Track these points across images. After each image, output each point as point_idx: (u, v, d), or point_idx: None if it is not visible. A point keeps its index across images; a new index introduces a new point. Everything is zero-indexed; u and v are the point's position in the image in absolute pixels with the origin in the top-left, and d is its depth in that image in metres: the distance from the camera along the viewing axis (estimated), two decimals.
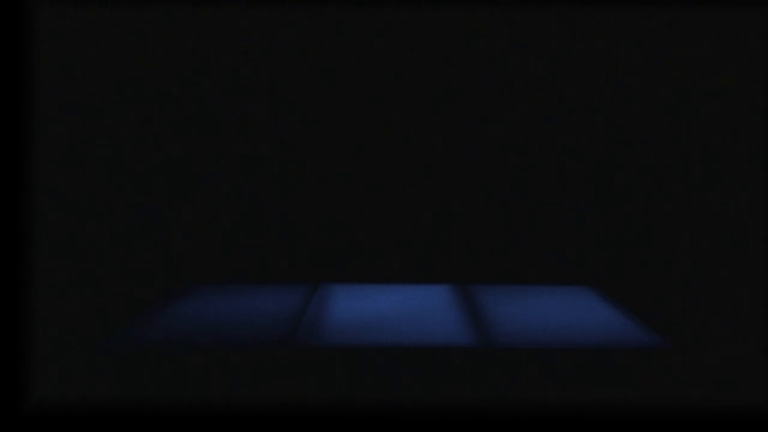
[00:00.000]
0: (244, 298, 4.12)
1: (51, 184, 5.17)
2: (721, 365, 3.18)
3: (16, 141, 2.74)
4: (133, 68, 5.18)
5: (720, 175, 4.20)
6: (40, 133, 4.77)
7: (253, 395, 2.55)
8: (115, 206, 4.95)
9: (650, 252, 5.05)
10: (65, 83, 4.92)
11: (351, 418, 2.21)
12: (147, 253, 4.88)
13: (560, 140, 4.97)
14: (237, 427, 2.20)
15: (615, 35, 5.09)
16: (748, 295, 3.61)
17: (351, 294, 4.25)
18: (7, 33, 2.71)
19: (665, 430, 2.16)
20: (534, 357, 2.98)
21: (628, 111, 4.22)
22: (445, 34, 5.23)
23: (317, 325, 3.45)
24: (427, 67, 5.20)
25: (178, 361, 3.01)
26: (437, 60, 5.17)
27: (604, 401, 2.49)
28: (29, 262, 2.80)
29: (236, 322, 3.55)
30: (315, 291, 4.32)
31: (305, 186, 4.74)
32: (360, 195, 4.73)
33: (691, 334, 3.50)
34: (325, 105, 5.40)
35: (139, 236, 4.89)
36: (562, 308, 3.84)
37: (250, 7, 4.83)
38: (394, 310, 3.82)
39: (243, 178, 4.79)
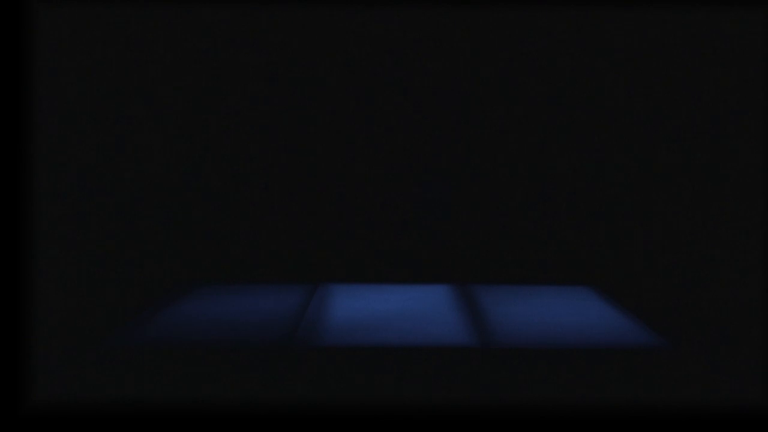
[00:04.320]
0: (244, 297, 4.12)
1: (52, 183, 5.18)
2: (721, 365, 3.18)
3: (16, 140, 2.75)
4: (137, 68, 5.18)
5: (720, 176, 4.20)
6: (41, 132, 4.78)
7: (252, 395, 2.55)
8: (117, 206, 4.95)
9: (650, 252, 5.05)
10: (65, 83, 4.92)
11: (351, 418, 2.21)
12: (148, 253, 4.89)
13: (560, 140, 4.98)
14: (237, 427, 2.20)
15: (616, 37, 5.10)
16: (748, 295, 3.62)
17: (351, 294, 4.25)
18: (7, 33, 2.71)
19: (665, 430, 2.16)
20: (534, 357, 2.99)
21: (628, 112, 4.22)
22: (446, 36, 5.22)
23: (317, 324, 3.45)
24: (430, 67, 5.20)
25: (178, 361, 3.01)
26: (440, 61, 5.17)
27: (604, 401, 2.49)
28: (30, 262, 2.80)
29: (237, 321, 3.55)
30: (315, 291, 4.32)
31: (305, 186, 4.75)
32: (360, 195, 4.73)
33: (691, 334, 3.50)
34: (324, 107, 5.40)
35: (140, 236, 4.90)
36: (562, 308, 3.84)
37: (248, 9, 4.82)
38: (395, 310, 3.83)
39: (243, 178, 4.79)
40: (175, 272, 4.76)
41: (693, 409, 2.30)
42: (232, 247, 4.69)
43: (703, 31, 4.72)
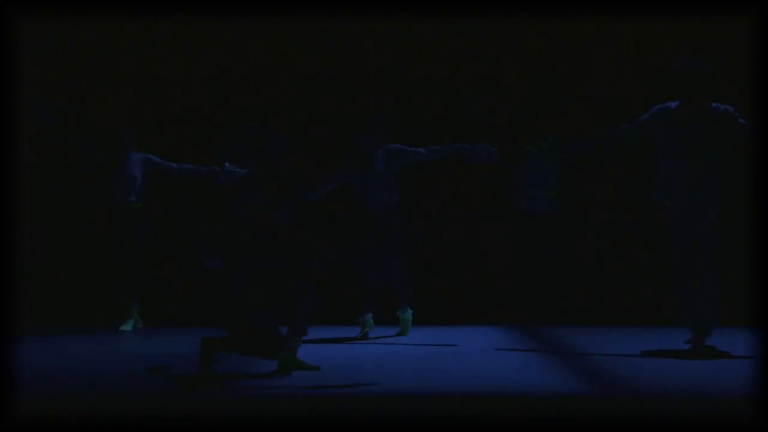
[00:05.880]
0: None
1: (44, 187, 5.21)
2: (719, 365, 3.16)
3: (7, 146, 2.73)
4: (122, 75, 5.24)
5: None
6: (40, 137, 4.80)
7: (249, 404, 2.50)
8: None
9: (649, 252, 5.03)
10: (51, 91, 4.96)
11: (351, 419, 2.19)
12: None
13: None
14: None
15: (609, 44, 5.12)
16: (747, 296, 3.60)
17: None
18: None
19: None
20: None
21: (628, 114, 4.19)
22: (452, 41, 5.23)
23: None
24: (448, 78, 5.21)
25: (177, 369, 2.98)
26: (457, 74, 5.18)
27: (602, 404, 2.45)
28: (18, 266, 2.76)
29: None
30: None
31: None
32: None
33: (691, 335, 3.47)
34: (325, 109, 5.36)
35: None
36: None
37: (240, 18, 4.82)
38: None
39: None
40: None
41: (687, 415, 2.23)
42: None
43: (690, 39, 4.73)
